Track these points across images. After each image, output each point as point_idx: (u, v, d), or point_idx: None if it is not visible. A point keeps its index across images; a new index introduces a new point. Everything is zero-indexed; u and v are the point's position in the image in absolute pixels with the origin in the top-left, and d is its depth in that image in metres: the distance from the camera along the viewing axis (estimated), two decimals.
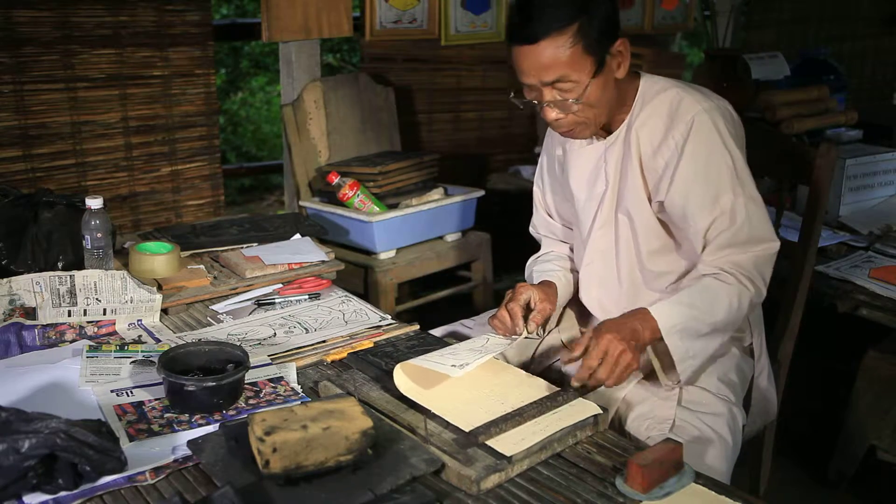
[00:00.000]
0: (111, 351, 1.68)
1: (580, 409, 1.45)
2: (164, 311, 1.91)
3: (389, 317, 1.90)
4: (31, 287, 1.80)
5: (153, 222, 3.04)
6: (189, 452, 1.34)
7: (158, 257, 2.05)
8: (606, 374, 1.51)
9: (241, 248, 2.25)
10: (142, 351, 1.68)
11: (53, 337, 1.76)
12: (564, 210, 1.95)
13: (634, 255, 1.76)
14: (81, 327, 1.80)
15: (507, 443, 1.35)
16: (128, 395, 1.52)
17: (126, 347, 1.70)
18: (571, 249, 1.97)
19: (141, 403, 1.50)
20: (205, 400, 1.46)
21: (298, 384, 1.60)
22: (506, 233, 3.16)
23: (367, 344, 1.76)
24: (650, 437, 1.58)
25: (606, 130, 1.75)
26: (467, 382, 1.52)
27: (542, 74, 1.60)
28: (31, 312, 1.81)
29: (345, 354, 1.72)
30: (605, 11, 1.59)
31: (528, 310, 1.77)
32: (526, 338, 1.75)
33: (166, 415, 1.47)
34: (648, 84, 1.72)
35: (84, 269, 1.89)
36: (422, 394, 1.48)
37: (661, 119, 1.68)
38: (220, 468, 1.27)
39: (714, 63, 3.31)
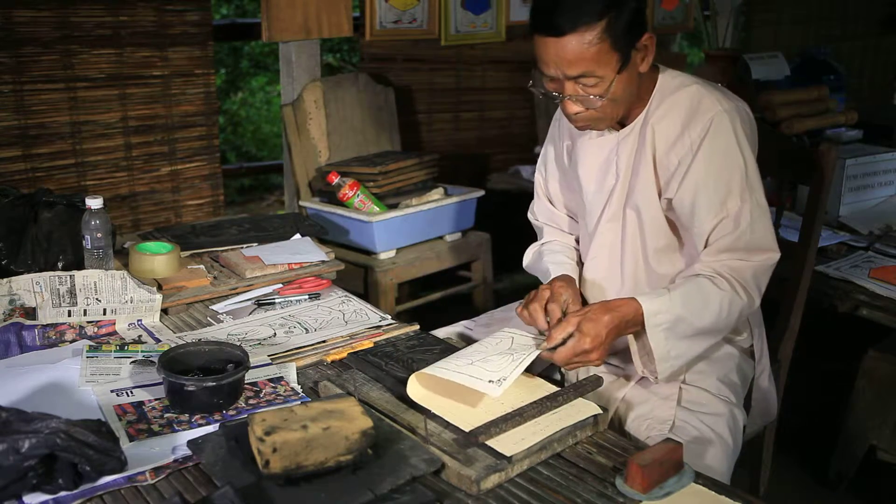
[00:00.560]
0: (111, 351, 1.68)
1: (580, 409, 1.45)
2: (164, 311, 1.91)
3: (389, 317, 1.90)
4: (31, 287, 1.80)
5: (153, 222, 3.04)
6: (189, 452, 1.34)
7: (158, 257, 2.05)
8: (564, 361, 1.53)
9: (241, 248, 2.25)
10: (142, 351, 1.68)
11: (53, 337, 1.76)
12: (570, 200, 1.94)
13: (640, 252, 1.75)
14: (81, 327, 1.80)
15: (507, 443, 1.35)
16: (128, 395, 1.52)
17: (126, 347, 1.70)
18: (577, 241, 1.96)
19: (141, 403, 1.50)
20: (205, 400, 1.46)
21: (298, 384, 1.60)
22: (506, 233, 3.15)
23: (367, 344, 1.76)
24: (650, 437, 1.58)
25: (620, 123, 1.72)
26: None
27: (566, 68, 1.56)
28: (31, 312, 1.81)
29: (345, 354, 1.72)
30: (634, 4, 1.54)
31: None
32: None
33: (166, 415, 1.47)
34: (667, 79, 1.69)
35: (84, 269, 1.89)
36: (434, 400, 1.45)
37: (678, 115, 1.65)
38: (220, 468, 1.27)
39: (714, 63, 3.31)
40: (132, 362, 1.63)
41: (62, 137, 2.83)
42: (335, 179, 2.95)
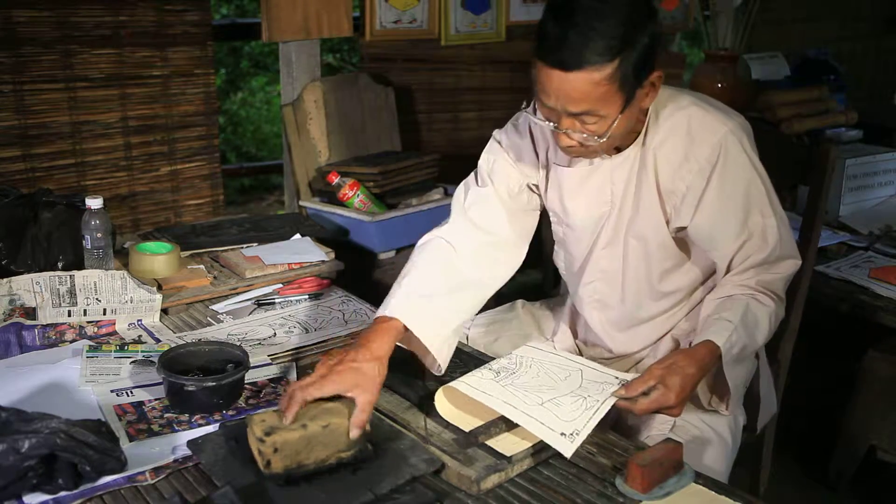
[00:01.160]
0: (111, 351, 1.68)
1: None
2: (164, 311, 1.91)
3: None
4: (31, 287, 1.80)
5: (152, 222, 3.04)
6: (189, 452, 1.34)
7: (158, 257, 2.05)
8: (644, 413, 1.44)
9: (241, 248, 2.25)
10: (142, 351, 1.68)
11: (53, 337, 1.76)
12: (516, 189, 1.75)
13: (644, 276, 1.70)
14: (81, 327, 1.80)
15: (507, 443, 1.35)
16: (128, 395, 1.52)
17: (126, 347, 1.70)
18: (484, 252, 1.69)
19: (141, 403, 1.50)
20: (205, 400, 1.46)
21: None
22: None
23: None
24: (650, 437, 1.58)
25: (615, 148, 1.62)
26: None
27: (568, 105, 1.45)
28: (31, 312, 1.81)
29: None
30: (647, 42, 1.42)
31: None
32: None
33: (166, 415, 1.47)
34: (661, 99, 1.58)
35: (84, 269, 1.89)
36: (461, 415, 1.42)
37: (679, 139, 1.57)
38: (220, 468, 1.27)
39: (714, 63, 3.31)
40: (132, 362, 1.63)
41: (62, 137, 2.83)
42: (335, 179, 2.95)
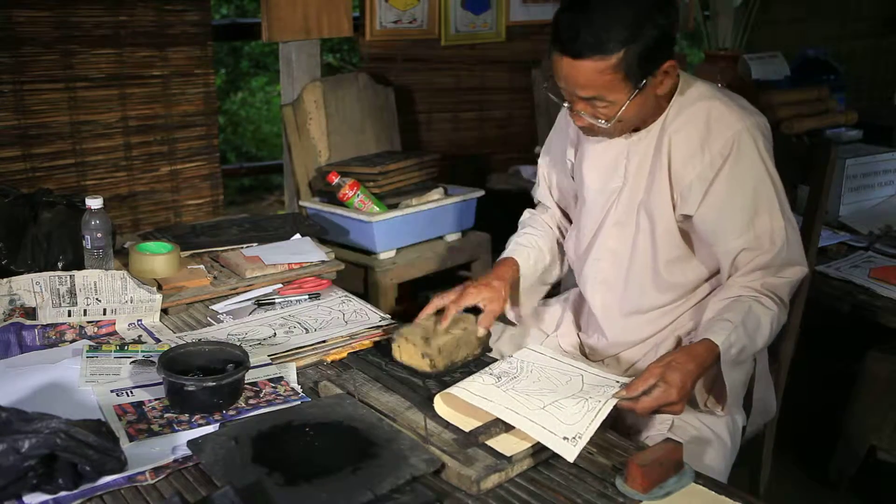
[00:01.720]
0: (111, 351, 1.68)
1: None
2: (164, 311, 1.91)
3: (389, 317, 1.90)
4: (31, 287, 1.80)
5: (152, 222, 3.04)
6: (189, 452, 1.34)
7: (158, 257, 2.05)
8: (646, 411, 1.45)
9: (241, 248, 2.25)
10: (142, 351, 1.68)
11: (53, 337, 1.76)
12: (566, 194, 1.93)
13: (650, 262, 1.72)
14: (81, 327, 1.80)
15: (507, 443, 1.35)
16: (128, 395, 1.52)
17: (126, 347, 1.70)
18: (559, 229, 1.97)
19: (141, 403, 1.50)
20: (205, 400, 1.46)
21: (298, 384, 1.60)
22: (506, 233, 3.14)
23: (367, 344, 1.76)
24: (650, 437, 1.58)
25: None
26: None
27: (578, 90, 1.56)
28: (31, 312, 1.81)
29: (345, 354, 1.72)
30: (656, 35, 1.51)
31: (477, 310, 1.73)
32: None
33: (166, 415, 1.47)
34: (688, 89, 1.66)
35: (84, 269, 1.89)
36: (461, 419, 1.42)
37: (696, 128, 1.62)
38: (220, 468, 1.27)
39: (714, 63, 3.31)
40: (132, 362, 1.63)
41: (62, 137, 2.83)
42: (335, 179, 2.95)
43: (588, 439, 1.32)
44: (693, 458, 1.49)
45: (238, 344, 1.61)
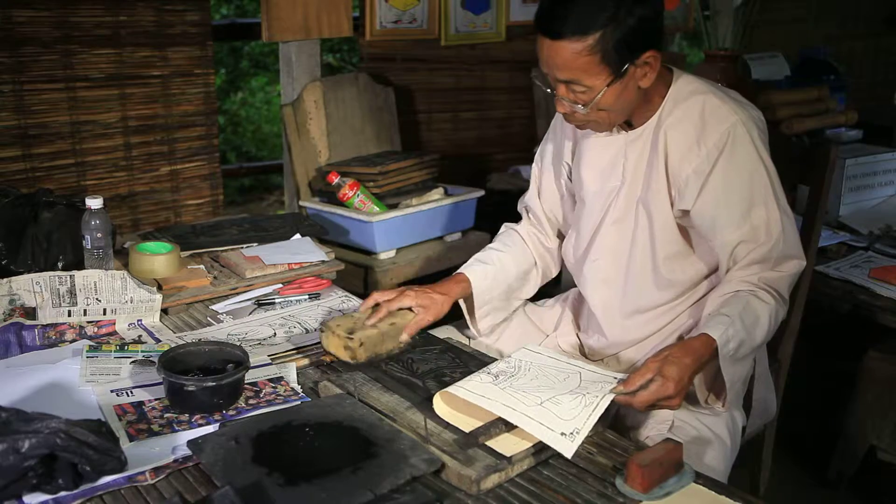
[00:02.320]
0: (111, 351, 1.68)
1: None
2: (164, 311, 1.91)
3: None
4: (31, 287, 1.80)
5: (152, 222, 3.04)
6: (189, 452, 1.34)
7: (158, 257, 2.05)
8: (644, 405, 1.44)
9: (241, 248, 2.25)
10: (142, 351, 1.68)
11: (53, 337, 1.76)
12: (561, 202, 1.92)
13: (649, 259, 1.72)
14: (81, 327, 1.80)
15: (507, 443, 1.35)
16: (128, 395, 1.52)
17: (126, 347, 1.70)
18: (540, 241, 1.95)
19: (141, 403, 1.50)
20: (205, 400, 1.46)
21: (298, 384, 1.60)
22: None
23: None
24: (650, 437, 1.58)
25: (629, 124, 1.71)
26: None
27: (556, 71, 1.58)
28: (31, 312, 1.81)
29: None
30: (635, 22, 1.52)
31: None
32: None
33: (166, 415, 1.47)
34: (682, 84, 1.67)
35: (84, 269, 1.89)
36: (460, 418, 1.42)
37: (691, 123, 1.63)
38: (220, 468, 1.27)
39: (714, 63, 3.31)
40: (132, 362, 1.63)
41: (62, 137, 2.83)
42: (335, 179, 2.95)
43: (586, 434, 1.32)
44: (693, 458, 1.49)
45: (238, 344, 1.61)
